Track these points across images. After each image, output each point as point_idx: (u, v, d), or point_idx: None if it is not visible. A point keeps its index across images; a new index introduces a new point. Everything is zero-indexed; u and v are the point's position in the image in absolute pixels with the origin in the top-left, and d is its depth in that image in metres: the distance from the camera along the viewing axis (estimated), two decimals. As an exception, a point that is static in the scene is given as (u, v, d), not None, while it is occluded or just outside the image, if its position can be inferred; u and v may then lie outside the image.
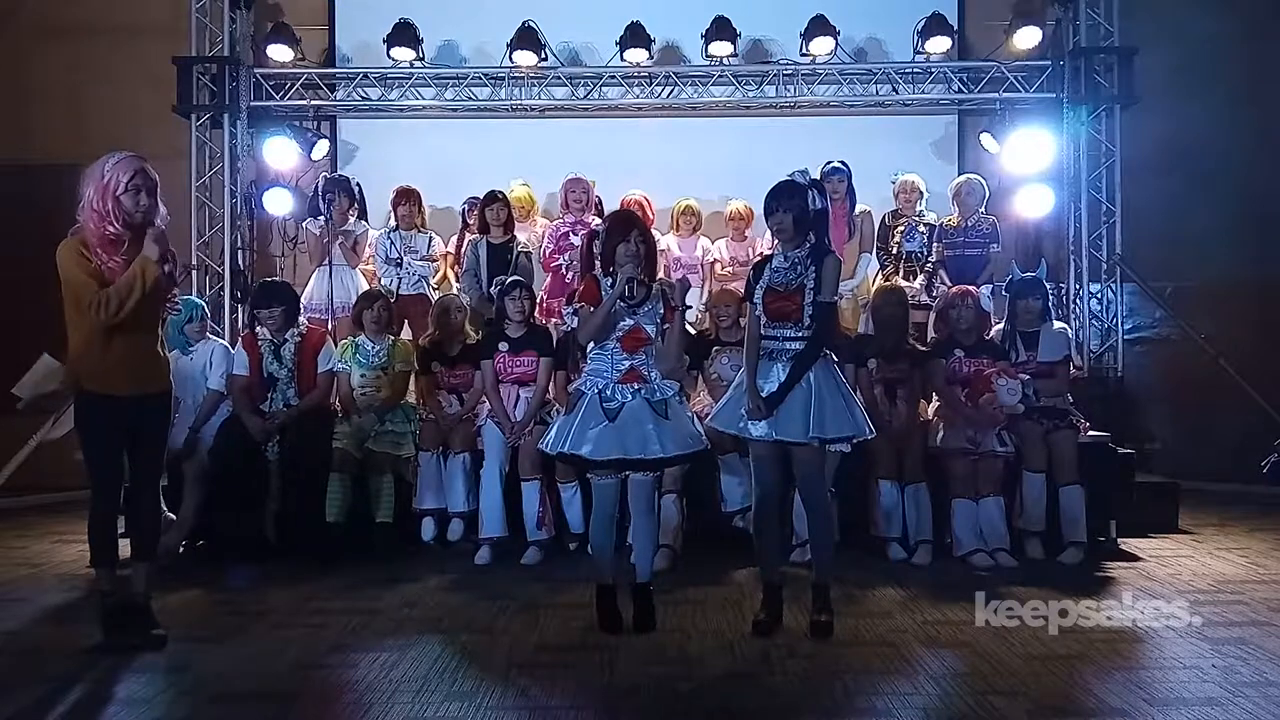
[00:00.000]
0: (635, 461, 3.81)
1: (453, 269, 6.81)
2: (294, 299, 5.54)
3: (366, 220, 6.77)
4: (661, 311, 3.88)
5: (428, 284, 6.56)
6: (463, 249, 6.56)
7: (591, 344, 3.90)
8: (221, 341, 5.68)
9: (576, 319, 3.91)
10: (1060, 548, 5.04)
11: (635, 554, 4.03)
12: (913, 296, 6.14)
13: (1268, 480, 3.85)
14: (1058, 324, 5.61)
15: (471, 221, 6.59)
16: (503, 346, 5.28)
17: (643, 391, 3.83)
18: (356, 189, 6.71)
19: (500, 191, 6.34)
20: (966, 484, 5.08)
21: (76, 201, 3.59)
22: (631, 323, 3.85)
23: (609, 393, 3.83)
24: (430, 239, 6.63)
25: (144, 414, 3.70)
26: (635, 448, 3.76)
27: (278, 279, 6.16)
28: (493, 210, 6.24)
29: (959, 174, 7.20)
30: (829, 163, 6.38)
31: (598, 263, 3.97)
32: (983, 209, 6.54)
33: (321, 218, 6.55)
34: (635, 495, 3.95)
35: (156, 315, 3.74)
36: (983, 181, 6.64)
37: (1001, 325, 5.54)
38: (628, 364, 3.85)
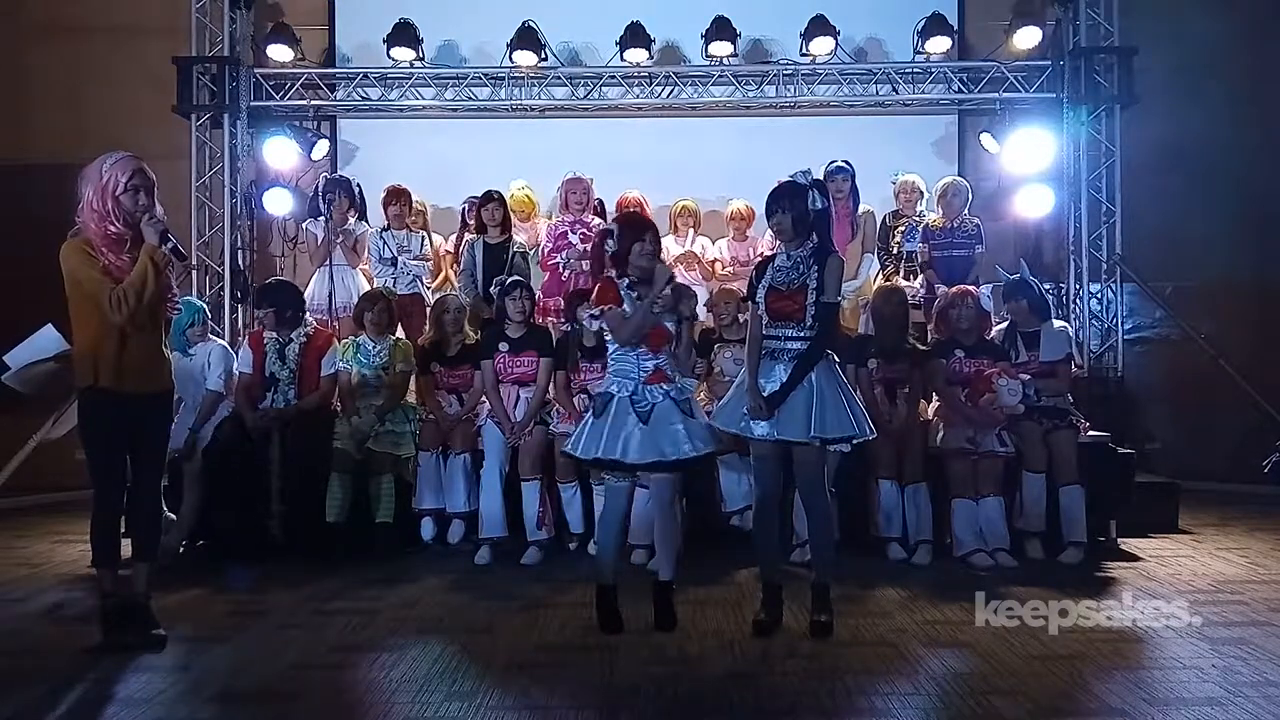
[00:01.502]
0: (672, 463, 3.81)
1: (452, 268, 6.81)
2: (291, 300, 5.49)
3: (366, 220, 6.77)
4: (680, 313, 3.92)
5: (422, 283, 6.56)
6: (461, 249, 6.57)
7: (615, 345, 3.89)
8: (221, 342, 5.67)
9: (603, 322, 3.86)
10: (1060, 548, 5.04)
11: (657, 553, 4.07)
12: (913, 296, 6.14)
13: (1269, 480, 3.84)
14: (1058, 323, 5.61)
15: (470, 221, 6.60)
16: (503, 347, 5.28)
17: (671, 391, 3.87)
18: (357, 189, 6.71)
19: (496, 191, 6.34)
20: (966, 484, 5.08)
21: (75, 202, 3.59)
22: (653, 320, 3.87)
23: (639, 394, 3.82)
24: (423, 238, 6.63)
25: (147, 413, 3.70)
26: (671, 449, 3.78)
27: (279, 279, 6.15)
28: (489, 210, 6.24)
29: (959, 174, 7.21)
30: (833, 162, 6.39)
31: (610, 262, 3.94)
32: (967, 210, 6.52)
33: (322, 218, 6.55)
34: (658, 494, 3.96)
35: (160, 313, 3.73)
36: (968, 183, 6.63)
37: (1003, 325, 5.55)
38: (653, 364, 3.86)
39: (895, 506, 5.09)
